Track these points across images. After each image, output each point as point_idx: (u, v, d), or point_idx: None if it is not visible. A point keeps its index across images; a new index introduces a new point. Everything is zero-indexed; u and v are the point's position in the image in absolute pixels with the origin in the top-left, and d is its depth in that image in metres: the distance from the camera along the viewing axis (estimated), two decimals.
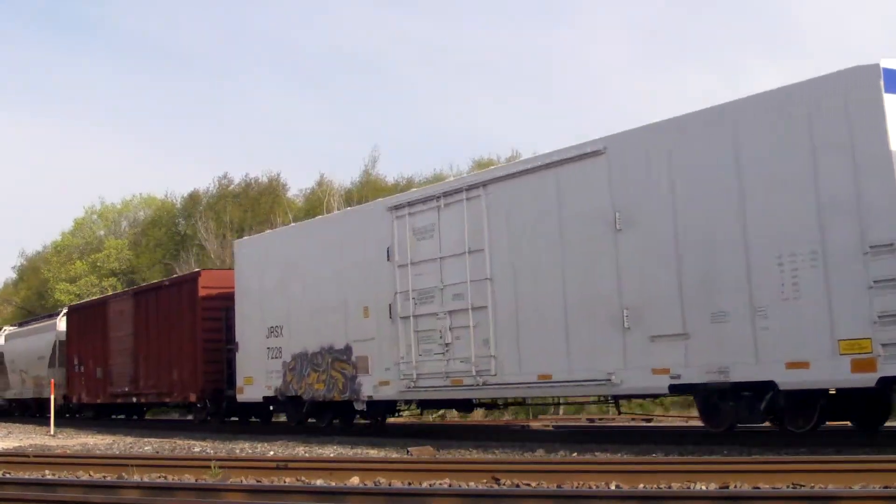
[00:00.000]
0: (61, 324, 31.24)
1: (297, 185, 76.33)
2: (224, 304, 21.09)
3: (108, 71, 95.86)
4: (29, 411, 34.76)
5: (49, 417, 27.67)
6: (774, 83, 14.10)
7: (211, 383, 21.42)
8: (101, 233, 58.62)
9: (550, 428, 18.31)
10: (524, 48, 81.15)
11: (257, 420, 23.06)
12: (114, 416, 29.84)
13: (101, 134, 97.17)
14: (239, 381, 19.78)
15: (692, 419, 19.37)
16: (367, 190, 44.18)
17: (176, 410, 30.67)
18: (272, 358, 18.80)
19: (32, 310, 53.62)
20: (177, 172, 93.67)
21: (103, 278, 52.70)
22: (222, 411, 21.98)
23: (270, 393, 18.85)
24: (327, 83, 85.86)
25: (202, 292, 21.78)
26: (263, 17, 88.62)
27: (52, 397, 25.92)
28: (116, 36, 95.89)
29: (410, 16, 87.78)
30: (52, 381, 28.11)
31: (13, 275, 70.42)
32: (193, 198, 51.72)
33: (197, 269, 25.20)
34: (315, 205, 45.41)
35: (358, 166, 74.16)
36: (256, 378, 19.17)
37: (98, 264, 53.43)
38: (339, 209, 41.04)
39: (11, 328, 38.73)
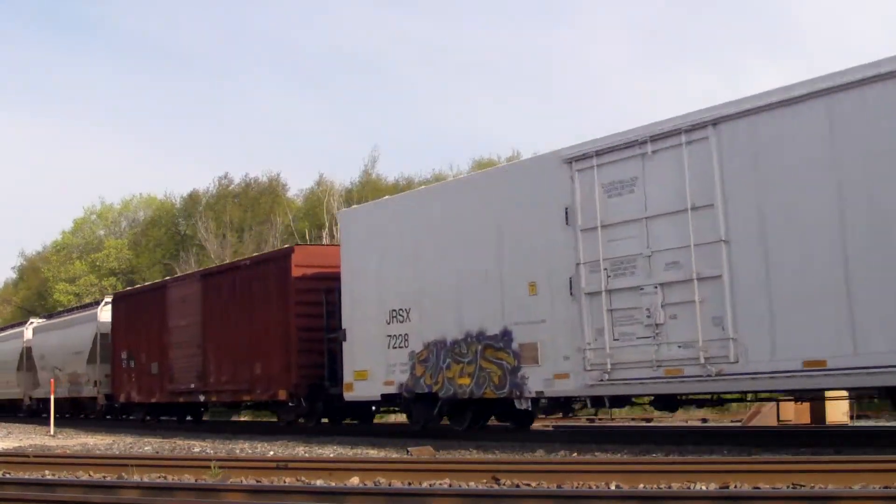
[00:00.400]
0: (103, 314, 27.82)
1: (298, 185, 76.55)
2: (324, 286, 18.27)
3: (108, 71, 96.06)
4: (62, 412, 31.01)
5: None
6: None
7: (306, 378, 18.46)
8: (101, 233, 58.71)
9: (550, 428, 18.31)
10: (524, 48, 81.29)
11: (354, 422, 20.68)
12: (163, 418, 26.29)
13: (101, 134, 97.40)
14: (347, 377, 16.88)
15: (692, 419, 19.40)
16: (368, 190, 44.24)
17: (249, 411, 27.57)
18: (395, 347, 15.93)
19: (32, 309, 53.62)
20: (177, 172, 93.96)
21: (103, 278, 52.78)
22: (319, 411, 19.16)
23: (392, 389, 15.99)
24: (327, 83, 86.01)
25: (296, 272, 18.64)
26: (263, 17, 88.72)
27: (52, 397, 25.77)
28: (116, 36, 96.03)
29: (410, 16, 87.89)
30: (52, 380, 27.87)
31: (13, 275, 70.58)
32: (193, 198, 51.82)
33: (288, 245, 21.37)
34: (315, 205, 45.49)
35: (358, 166, 74.31)
36: (373, 372, 16.30)
37: (97, 264, 53.50)
38: (338, 209, 41.12)
39: (40, 320, 35.31)
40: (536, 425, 19.45)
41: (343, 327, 17.05)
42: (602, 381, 12.79)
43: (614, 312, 12.70)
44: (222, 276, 21.65)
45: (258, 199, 49.27)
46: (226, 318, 20.89)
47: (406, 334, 15.79)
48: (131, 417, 27.01)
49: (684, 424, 17.81)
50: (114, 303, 27.21)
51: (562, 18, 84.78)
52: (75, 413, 30.84)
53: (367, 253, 16.64)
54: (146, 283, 30.97)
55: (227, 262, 27.00)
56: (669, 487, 8.07)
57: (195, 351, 21.93)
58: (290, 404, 18.92)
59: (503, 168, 14.92)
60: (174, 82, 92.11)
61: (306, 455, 13.03)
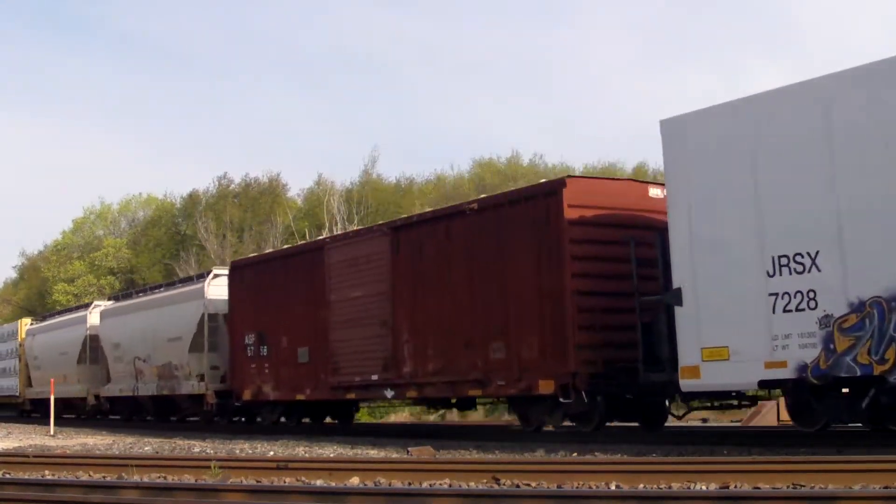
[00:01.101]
0: (213, 289, 22.38)
1: (298, 185, 76.52)
2: (618, 234, 13.54)
3: (109, 71, 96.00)
4: (142, 413, 26.28)
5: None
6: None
7: (588, 364, 13.52)
8: (101, 233, 58.74)
9: (550, 428, 18.28)
10: (524, 48, 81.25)
11: (629, 424, 15.48)
12: (305, 420, 21.13)
13: (101, 134, 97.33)
14: (687, 357, 11.95)
15: (690, 419, 19.36)
16: (368, 190, 44.26)
17: (443, 410, 21.48)
18: (787, 311, 11.12)
19: (32, 309, 53.62)
20: (177, 172, 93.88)
21: (101, 277, 52.83)
22: (600, 409, 14.08)
23: (783, 373, 11.23)
24: (327, 83, 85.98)
25: (570, 213, 13.67)
26: (263, 17, 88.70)
27: (52, 397, 25.59)
28: (116, 36, 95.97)
29: (410, 16, 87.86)
30: (52, 380, 27.19)
31: (13, 274, 70.63)
32: (193, 198, 51.80)
33: (555, 178, 15.28)
34: (314, 205, 45.48)
35: (358, 166, 74.32)
36: (740, 348, 11.47)
37: (96, 263, 53.51)
38: (338, 209, 41.15)
39: (108, 303, 29.42)
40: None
41: (675, 286, 12.17)
42: None
43: None
44: (429, 227, 16.29)
45: (258, 199, 49.29)
46: (434, 284, 15.88)
47: (811, 290, 11.02)
48: (272, 419, 20.96)
49: (684, 424, 17.81)
50: (233, 273, 21.54)
51: (562, 18, 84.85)
52: (163, 415, 25.35)
53: (721, 176, 11.80)
54: (284, 247, 25.25)
55: (432, 209, 20.91)
56: (669, 487, 8.08)
57: (379, 331, 16.85)
58: (562, 400, 13.81)
59: None
60: (174, 82, 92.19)
61: (306, 455, 13.04)
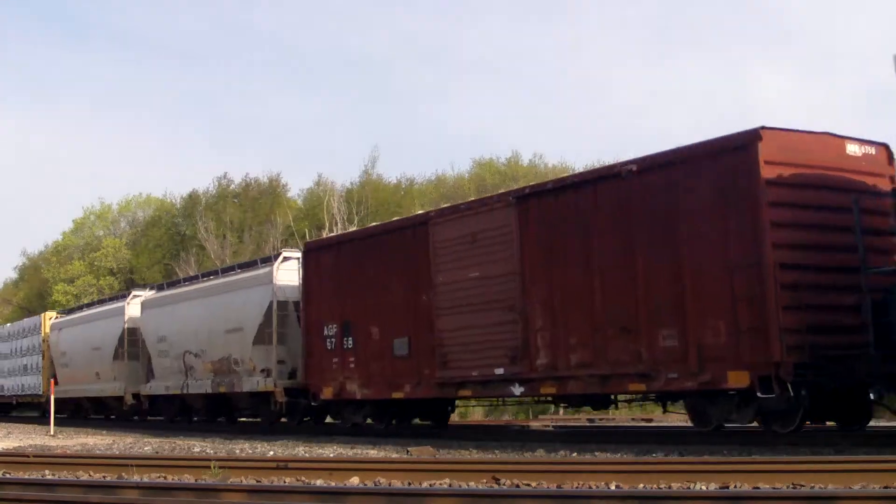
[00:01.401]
0: (282, 274, 19.86)
1: (297, 185, 76.62)
2: (836, 198, 11.80)
3: (109, 71, 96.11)
4: (189, 414, 24.01)
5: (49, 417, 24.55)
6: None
7: (795, 351, 11.25)
8: (101, 233, 58.74)
9: (550, 428, 18.30)
10: (524, 48, 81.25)
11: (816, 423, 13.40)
12: (395, 421, 17.98)
13: (101, 133, 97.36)
14: None
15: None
16: (368, 190, 44.26)
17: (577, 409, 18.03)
18: None
19: (33, 309, 53.64)
20: (177, 172, 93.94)
21: (101, 277, 52.82)
22: (804, 403, 11.79)
23: None
24: (327, 83, 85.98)
25: (767, 172, 11.61)
26: (264, 16, 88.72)
27: (52, 397, 25.58)
28: (116, 36, 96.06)
29: (410, 16, 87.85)
30: (53, 380, 27.17)
31: (13, 275, 70.65)
32: (193, 198, 51.80)
33: (746, 130, 12.04)
34: (314, 205, 45.48)
35: (358, 166, 74.38)
36: None
37: (95, 263, 53.49)
38: (338, 209, 41.18)
39: (149, 292, 26.47)
40: (536, 425, 19.44)
41: None
42: None
43: None
44: (569, 194, 14.09)
45: (258, 199, 49.30)
46: (578, 261, 13.68)
47: None
48: (357, 420, 18.21)
49: (684, 424, 17.82)
50: (307, 256, 19.11)
51: (562, 17, 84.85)
52: (216, 415, 23.01)
53: None
54: (372, 224, 22.07)
55: (571, 173, 17.89)
56: (669, 487, 8.08)
57: (504, 316, 14.64)
58: (760, 395, 11.55)
59: None
60: (174, 82, 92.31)
61: (306, 455, 13.04)
